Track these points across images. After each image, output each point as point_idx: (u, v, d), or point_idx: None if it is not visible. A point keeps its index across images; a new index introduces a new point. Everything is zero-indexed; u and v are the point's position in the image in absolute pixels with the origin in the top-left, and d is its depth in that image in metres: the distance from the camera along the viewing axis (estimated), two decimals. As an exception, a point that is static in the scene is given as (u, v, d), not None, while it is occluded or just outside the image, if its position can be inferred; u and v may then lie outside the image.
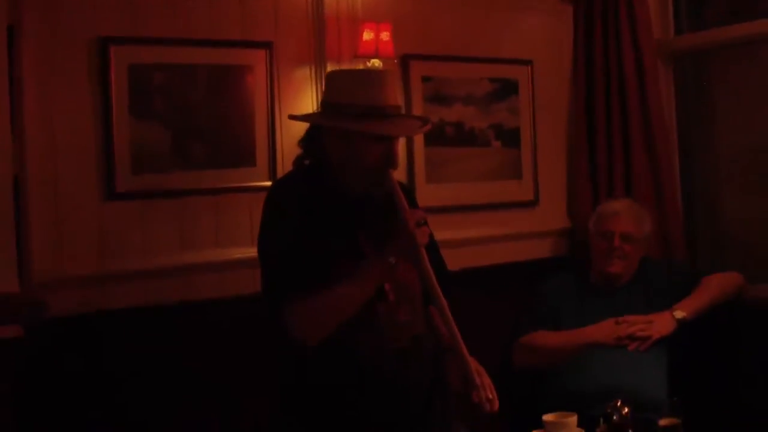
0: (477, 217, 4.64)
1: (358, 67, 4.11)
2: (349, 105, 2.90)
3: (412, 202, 3.13)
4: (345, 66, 4.13)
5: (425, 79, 4.50)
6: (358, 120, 2.88)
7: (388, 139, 2.92)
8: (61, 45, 3.58)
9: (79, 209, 3.60)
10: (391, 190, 2.92)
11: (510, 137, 4.79)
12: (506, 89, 4.78)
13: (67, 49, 3.60)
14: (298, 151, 3.09)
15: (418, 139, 4.43)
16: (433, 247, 3.03)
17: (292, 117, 3.19)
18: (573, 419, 3.57)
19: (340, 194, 2.98)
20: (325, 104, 3.02)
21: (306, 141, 3.06)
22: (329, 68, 4.10)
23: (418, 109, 4.41)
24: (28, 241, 3.42)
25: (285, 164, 3.89)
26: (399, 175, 3.95)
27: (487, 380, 2.96)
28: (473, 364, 2.95)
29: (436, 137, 4.49)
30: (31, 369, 3.33)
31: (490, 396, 2.92)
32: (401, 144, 4.17)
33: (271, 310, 2.89)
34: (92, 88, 3.65)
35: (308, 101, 4.11)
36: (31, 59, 3.48)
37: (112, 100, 3.67)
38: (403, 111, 3.05)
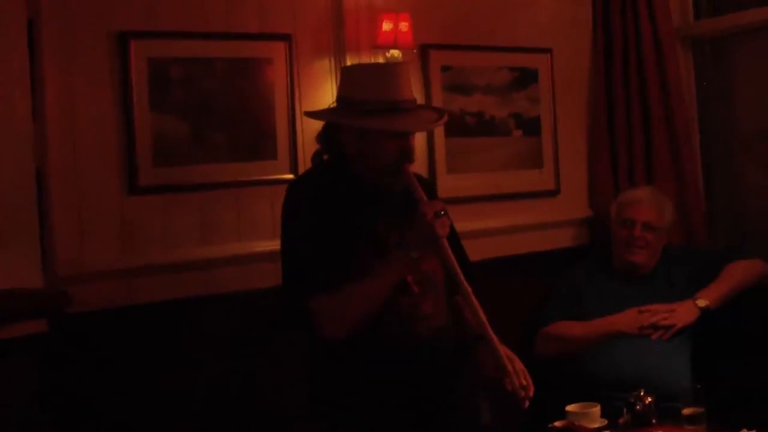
0: (498, 207, 4.61)
1: (377, 59, 4.12)
2: (363, 101, 2.89)
3: (432, 194, 3.12)
4: (365, 57, 4.13)
5: (445, 69, 4.47)
6: (373, 116, 2.87)
7: (404, 134, 2.92)
8: (81, 39, 3.57)
9: (101, 203, 3.60)
10: (408, 183, 2.92)
11: (530, 126, 4.76)
12: (526, 78, 4.75)
13: (87, 43, 3.59)
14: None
15: (439, 130, 4.38)
16: (453, 238, 3.02)
17: (308, 114, 3.19)
18: (596, 409, 3.57)
19: (358, 186, 2.98)
20: (341, 99, 3.01)
21: (323, 136, 3.08)
22: (349, 60, 4.09)
23: (437, 99, 4.40)
24: (52, 235, 3.43)
25: (306, 157, 3.87)
26: (420, 165, 3.98)
27: (520, 366, 2.98)
28: (504, 351, 2.95)
29: (456, 127, 4.46)
30: (55, 363, 3.33)
31: (524, 382, 2.93)
32: (421, 135, 4.18)
33: (289, 309, 2.93)
34: (113, 81, 3.64)
35: (328, 93, 4.07)
36: (51, 53, 3.48)
37: (132, 94, 3.66)
38: (417, 103, 3.03)
